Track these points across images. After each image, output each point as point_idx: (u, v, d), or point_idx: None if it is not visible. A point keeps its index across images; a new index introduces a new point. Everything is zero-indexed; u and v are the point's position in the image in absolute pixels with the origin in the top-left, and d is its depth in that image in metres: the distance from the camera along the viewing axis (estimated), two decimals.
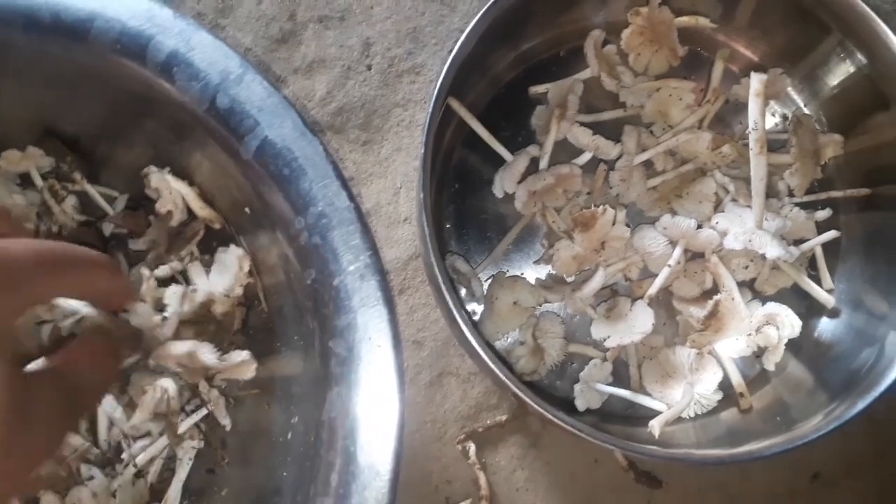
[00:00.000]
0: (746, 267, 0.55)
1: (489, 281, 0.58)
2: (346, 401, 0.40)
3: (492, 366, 0.45)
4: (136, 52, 0.43)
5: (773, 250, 0.51)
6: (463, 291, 0.58)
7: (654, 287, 0.54)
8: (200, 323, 0.50)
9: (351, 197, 0.42)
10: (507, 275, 0.58)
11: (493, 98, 0.61)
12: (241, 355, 0.49)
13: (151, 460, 0.50)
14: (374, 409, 0.39)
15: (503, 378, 0.45)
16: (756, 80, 0.48)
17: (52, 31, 0.44)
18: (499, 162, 0.58)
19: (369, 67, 0.62)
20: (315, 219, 0.42)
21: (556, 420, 0.46)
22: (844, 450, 0.60)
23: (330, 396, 0.41)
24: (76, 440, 0.49)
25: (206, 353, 0.48)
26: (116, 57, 0.44)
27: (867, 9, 0.52)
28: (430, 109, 0.49)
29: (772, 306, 0.54)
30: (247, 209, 0.48)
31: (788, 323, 0.53)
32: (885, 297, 0.55)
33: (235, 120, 0.43)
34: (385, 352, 0.40)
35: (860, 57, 0.55)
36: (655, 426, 0.51)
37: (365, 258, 0.41)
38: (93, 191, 0.53)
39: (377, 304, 0.41)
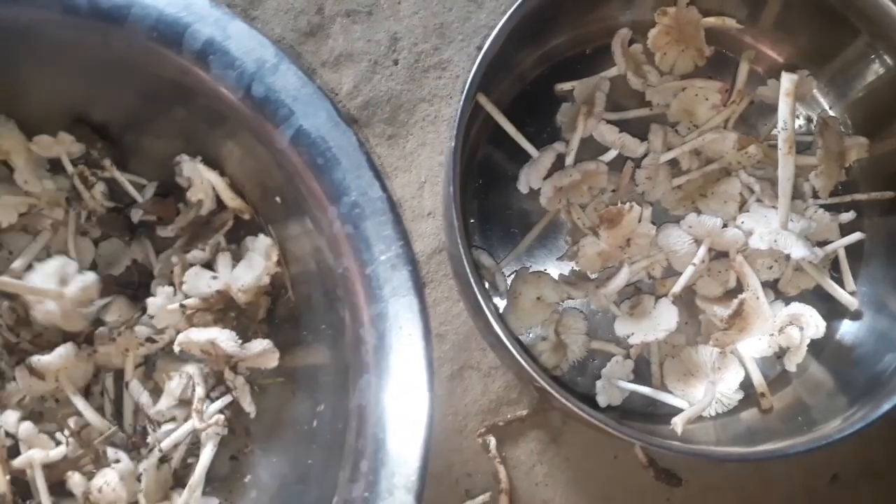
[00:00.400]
0: (770, 267, 0.55)
1: (512, 276, 0.58)
2: (377, 389, 0.40)
3: (516, 355, 0.46)
4: (173, 40, 0.44)
5: (798, 251, 0.51)
6: (486, 286, 0.58)
7: (679, 285, 0.54)
8: (222, 311, 0.50)
9: (384, 187, 0.42)
10: (531, 270, 0.58)
11: (519, 95, 0.61)
12: (263, 344, 0.50)
13: (176, 446, 0.50)
14: (404, 398, 0.40)
15: (528, 368, 0.46)
16: (787, 80, 0.48)
17: (90, 16, 0.44)
18: (523, 158, 0.58)
19: (396, 62, 0.62)
20: (348, 208, 0.42)
21: (581, 413, 0.46)
22: (863, 452, 0.60)
23: (360, 384, 0.41)
24: (103, 423, 0.49)
25: (227, 342, 0.48)
26: (153, 44, 0.44)
27: (895, 9, 0.52)
28: (461, 105, 0.50)
29: (796, 306, 0.54)
30: (278, 199, 0.48)
31: (813, 323, 0.53)
32: None
33: (271, 108, 0.43)
34: (415, 341, 0.41)
35: (888, 59, 0.55)
36: (678, 423, 0.52)
37: (397, 248, 0.42)
38: (122, 178, 0.53)
39: (408, 294, 0.41)
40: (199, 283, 0.50)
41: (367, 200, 0.42)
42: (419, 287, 0.41)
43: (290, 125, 0.43)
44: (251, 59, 0.43)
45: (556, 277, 0.58)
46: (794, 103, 0.49)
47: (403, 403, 0.40)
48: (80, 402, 0.49)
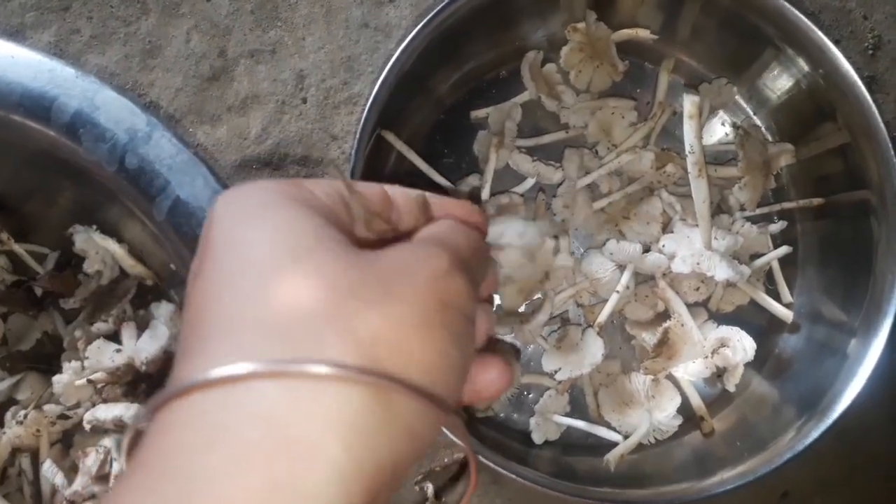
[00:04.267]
0: (698, 288, 0.54)
1: None
2: None
3: None
4: (41, 114, 0.42)
5: (721, 272, 0.49)
6: None
7: (604, 314, 0.52)
8: (130, 383, 0.49)
9: None
10: None
11: (437, 122, 0.59)
12: None
13: None
14: None
15: (447, 433, 0.44)
16: (689, 102, 0.47)
17: None
18: (444, 190, 0.56)
19: (304, 101, 0.60)
20: None
21: (502, 471, 0.44)
22: (813, 468, 0.58)
23: None
24: None
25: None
26: (21, 118, 0.42)
27: (804, 17, 0.50)
28: (355, 147, 0.48)
29: (724, 329, 0.53)
30: (171, 265, 0.46)
31: (741, 347, 0.51)
32: (841, 306, 0.54)
33: (146, 180, 0.41)
34: None
35: (802, 65, 0.53)
36: (611, 461, 0.50)
37: None
38: (20, 250, 0.52)
39: None
40: (103, 357, 0.49)
41: None
42: None
43: (167, 196, 0.41)
44: (122, 129, 0.42)
45: None
46: (698, 125, 0.47)
47: None
48: None
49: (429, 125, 0.59)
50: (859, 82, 0.49)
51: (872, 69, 0.61)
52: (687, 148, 0.47)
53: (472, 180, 0.55)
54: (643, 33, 0.56)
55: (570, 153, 0.55)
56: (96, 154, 0.42)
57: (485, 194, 0.55)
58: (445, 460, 0.56)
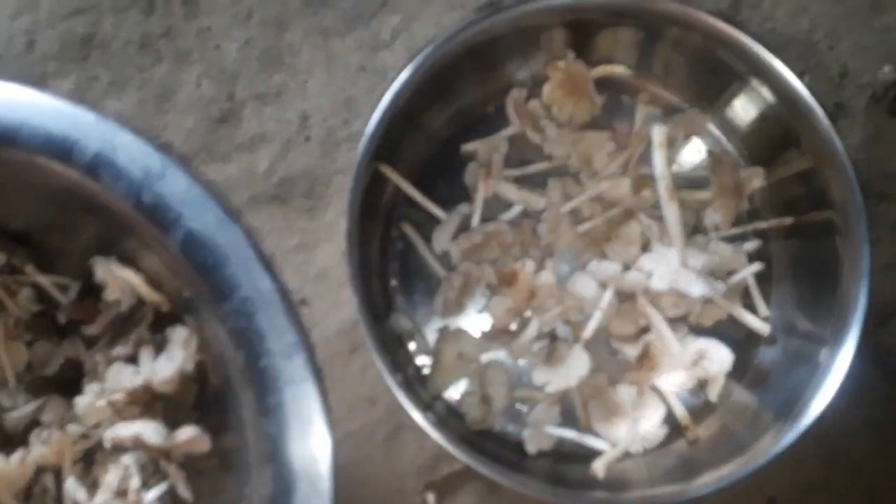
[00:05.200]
0: (677, 304, 0.57)
1: (437, 333, 0.60)
2: (281, 478, 0.42)
3: (426, 426, 0.47)
4: (63, 156, 0.46)
5: (697, 289, 0.53)
6: (413, 345, 0.60)
7: (588, 330, 0.55)
8: (147, 403, 0.52)
9: (274, 278, 0.44)
10: (454, 327, 0.60)
11: (431, 156, 0.63)
12: (190, 431, 0.51)
13: None
14: (308, 486, 0.41)
15: (437, 437, 0.47)
16: (658, 132, 0.51)
17: None
18: (439, 218, 0.60)
19: (308, 139, 0.64)
20: (240, 303, 0.44)
21: (499, 479, 0.48)
22: (797, 473, 0.61)
23: (266, 473, 0.43)
24: None
25: (151, 434, 0.50)
26: (45, 160, 0.46)
27: (767, 52, 0.54)
28: (353, 180, 0.52)
29: (702, 342, 0.56)
30: (185, 293, 0.50)
31: (718, 359, 0.54)
32: (811, 318, 0.57)
33: (160, 214, 0.45)
34: (316, 428, 0.42)
35: (767, 95, 0.57)
36: (599, 468, 0.53)
37: (289, 337, 0.43)
38: (45, 281, 0.55)
39: (304, 381, 0.43)
40: (122, 378, 0.52)
41: (258, 293, 0.44)
42: (316, 372, 0.43)
43: (180, 228, 0.45)
44: (138, 168, 0.46)
45: (479, 331, 0.59)
46: (667, 153, 0.51)
47: (307, 491, 0.41)
48: None
49: (422, 158, 0.63)
50: (819, 111, 0.53)
51: (839, 96, 0.65)
52: (657, 174, 0.51)
53: (464, 209, 0.59)
54: (619, 69, 0.61)
55: (554, 182, 0.59)
56: (114, 192, 0.46)
57: (474, 221, 0.59)
58: (446, 471, 0.59)
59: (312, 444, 0.42)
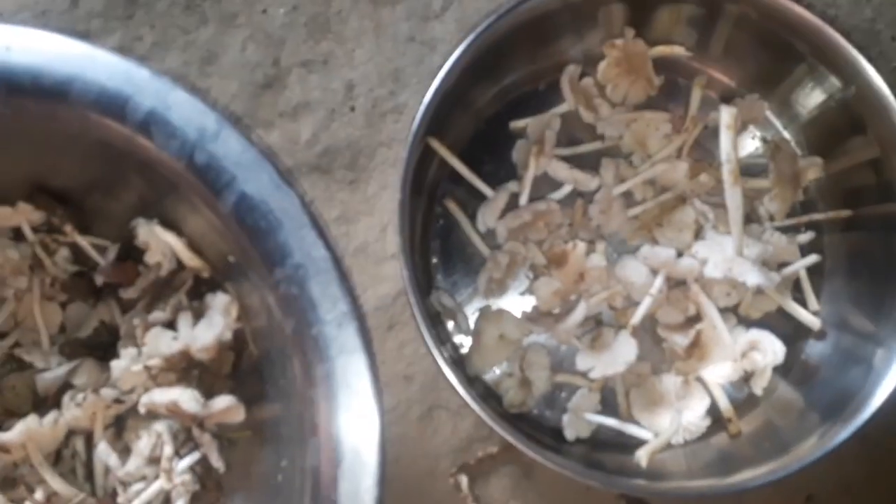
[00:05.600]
0: (729, 294, 0.56)
1: (477, 314, 0.58)
2: (327, 449, 0.41)
3: (471, 402, 0.46)
4: (116, 112, 0.45)
5: (752, 278, 0.51)
6: (451, 324, 0.59)
7: (637, 316, 0.54)
8: (184, 369, 0.51)
9: (328, 246, 0.43)
10: (494, 308, 0.58)
11: (476, 133, 0.62)
12: (226, 400, 0.50)
13: None
14: (355, 458, 0.40)
15: (483, 415, 0.46)
16: (726, 113, 0.49)
17: (34, 94, 0.45)
18: (484, 196, 0.59)
19: (353, 109, 0.63)
20: (293, 269, 0.43)
21: (539, 458, 0.46)
22: (837, 471, 0.60)
23: (311, 445, 0.41)
24: (69, 491, 0.50)
25: (188, 402, 0.49)
26: (97, 116, 0.45)
27: (837, 34, 0.53)
28: (408, 150, 0.50)
29: (754, 333, 0.55)
30: (230, 258, 0.49)
31: (771, 350, 0.53)
32: (870, 316, 0.56)
33: (213, 175, 0.44)
34: (365, 398, 0.41)
35: (834, 81, 0.55)
36: (642, 457, 0.52)
37: (342, 306, 0.42)
38: (83, 242, 0.54)
39: (355, 352, 0.42)
40: (160, 343, 0.51)
41: (311, 260, 0.43)
42: (367, 343, 0.42)
43: (233, 190, 0.44)
44: (192, 127, 0.44)
45: (520, 313, 0.58)
46: (734, 135, 0.49)
47: (354, 464, 0.40)
48: (46, 472, 0.49)
49: (468, 135, 0.62)
50: (891, 97, 0.51)
51: None
52: (723, 157, 0.50)
53: (512, 186, 0.58)
54: (678, 50, 0.59)
55: (607, 162, 0.57)
56: (167, 150, 0.44)
57: (523, 200, 0.57)
58: (479, 454, 0.58)
59: (361, 417, 0.41)
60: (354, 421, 0.41)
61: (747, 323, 0.58)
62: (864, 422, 0.51)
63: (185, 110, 0.44)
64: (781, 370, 0.57)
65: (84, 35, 0.62)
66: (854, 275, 0.57)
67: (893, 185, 0.52)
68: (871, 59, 0.59)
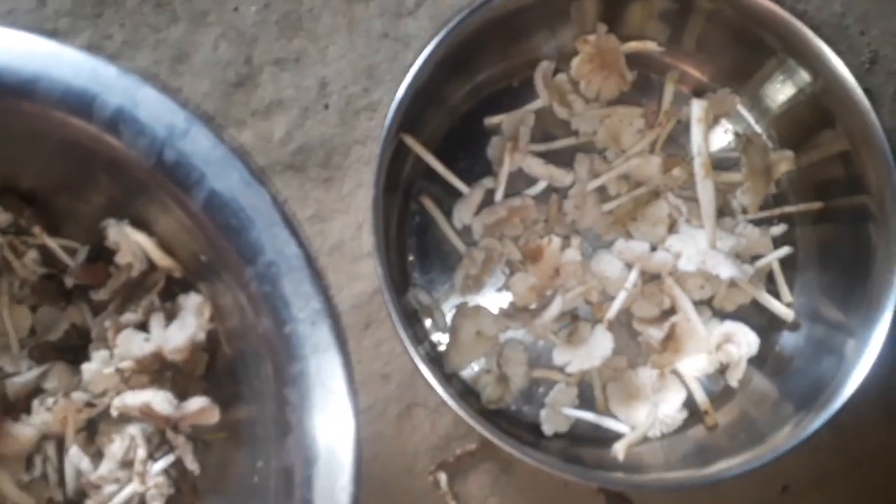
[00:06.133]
0: (703, 287, 0.56)
1: (453, 311, 0.58)
2: (302, 449, 0.40)
3: (447, 399, 0.46)
4: (82, 110, 0.44)
5: (726, 270, 0.52)
6: (428, 322, 0.59)
7: (612, 310, 0.54)
8: (156, 371, 0.51)
9: (300, 244, 0.42)
10: (470, 304, 0.58)
11: (451, 130, 0.62)
12: (200, 402, 0.50)
13: None
14: (330, 457, 0.40)
15: (461, 414, 0.46)
16: (697, 107, 0.49)
17: None
18: (459, 193, 0.59)
19: (326, 106, 0.62)
20: (265, 267, 0.42)
21: (517, 454, 0.46)
22: (813, 462, 0.60)
23: (286, 444, 0.41)
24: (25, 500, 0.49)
25: (161, 403, 0.48)
26: (63, 115, 0.44)
27: (807, 28, 0.53)
28: (381, 148, 0.50)
29: (728, 325, 0.55)
30: (202, 257, 0.48)
31: (745, 342, 0.53)
32: (840, 307, 0.56)
33: (183, 173, 0.43)
34: (340, 397, 0.41)
35: (804, 75, 0.56)
36: (619, 450, 0.52)
37: (315, 304, 0.42)
38: (52, 244, 0.53)
39: (329, 350, 0.41)
40: (132, 345, 0.50)
41: (283, 258, 0.42)
42: (341, 342, 0.42)
43: (203, 188, 0.43)
44: (161, 125, 0.44)
45: (497, 308, 0.58)
46: (706, 129, 0.50)
47: (329, 463, 0.40)
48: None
49: (443, 132, 0.62)
50: (859, 91, 0.52)
51: (868, 82, 0.64)
52: (694, 150, 0.50)
53: (487, 182, 0.58)
54: (651, 45, 0.59)
55: (581, 157, 0.57)
56: (136, 148, 0.44)
57: (498, 196, 0.57)
58: (458, 451, 0.58)
59: (336, 415, 0.40)
60: (329, 420, 0.40)
61: (721, 315, 0.58)
62: (836, 410, 0.52)
63: (153, 108, 0.44)
64: (756, 362, 0.58)
65: (52, 34, 0.61)
66: (825, 266, 0.58)
67: (862, 178, 0.53)
68: (839, 54, 0.60)
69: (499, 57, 0.61)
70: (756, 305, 0.59)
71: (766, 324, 0.59)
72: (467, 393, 0.57)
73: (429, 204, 0.59)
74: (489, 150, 0.60)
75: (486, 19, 0.57)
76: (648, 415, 0.54)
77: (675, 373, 0.56)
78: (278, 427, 0.43)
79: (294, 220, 0.43)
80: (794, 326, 0.58)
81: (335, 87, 0.63)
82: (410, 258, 0.60)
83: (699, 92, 0.61)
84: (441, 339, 0.58)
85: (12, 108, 0.44)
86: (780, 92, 0.58)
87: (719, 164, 0.60)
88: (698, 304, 0.57)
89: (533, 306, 0.58)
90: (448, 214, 0.59)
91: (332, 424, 0.40)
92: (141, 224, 0.52)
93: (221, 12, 0.63)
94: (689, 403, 0.57)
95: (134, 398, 0.49)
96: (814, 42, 0.52)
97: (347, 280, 0.61)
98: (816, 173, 0.58)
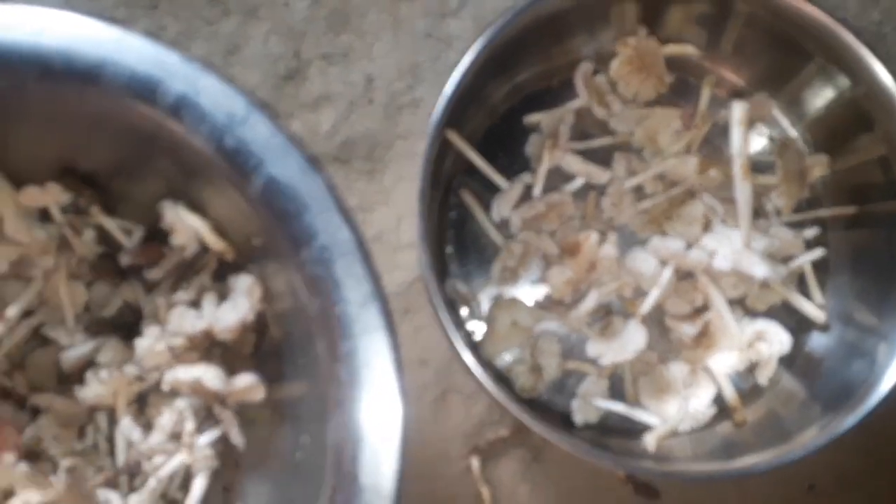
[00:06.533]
0: (736, 285, 0.57)
1: (490, 302, 0.60)
2: (349, 425, 0.42)
3: (484, 383, 0.48)
4: (146, 96, 0.46)
5: (759, 270, 0.53)
6: (465, 311, 0.61)
7: (646, 306, 0.56)
8: (206, 349, 0.53)
9: (352, 229, 0.44)
10: (507, 296, 0.60)
11: (491, 128, 0.64)
12: (248, 379, 0.52)
13: (167, 479, 0.53)
14: (376, 433, 0.42)
15: (496, 396, 0.48)
16: (738, 109, 0.51)
17: (65, 77, 0.46)
18: (497, 188, 0.61)
19: (371, 101, 0.64)
20: (318, 251, 0.44)
21: (551, 438, 0.48)
22: (839, 462, 0.61)
23: (333, 421, 0.43)
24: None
25: (212, 379, 0.50)
26: (127, 100, 0.47)
27: (848, 33, 0.54)
28: (428, 143, 0.52)
29: (761, 323, 0.56)
30: (256, 240, 0.50)
31: (777, 339, 0.55)
32: (874, 311, 0.57)
33: (241, 159, 0.45)
34: (386, 376, 0.43)
35: (843, 79, 0.57)
36: (650, 441, 0.53)
37: (366, 286, 0.44)
38: (110, 224, 0.56)
39: (378, 331, 0.43)
40: (184, 322, 0.53)
41: (336, 243, 0.44)
42: (389, 323, 0.44)
43: (261, 174, 0.45)
44: (222, 112, 0.46)
45: (532, 301, 0.60)
46: (745, 131, 0.51)
47: (375, 439, 0.42)
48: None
49: (483, 130, 0.63)
50: None
51: None
52: (734, 151, 0.51)
53: (526, 178, 0.59)
54: (689, 49, 0.61)
55: (619, 156, 0.59)
56: (197, 134, 0.46)
57: (537, 191, 0.59)
58: (490, 437, 0.60)
59: (383, 395, 0.42)
60: (376, 398, 0.42)
61: (753, 315, 0.59)
62: (866, 413, 0.53)
63: (214, 95, 0.46)
64: (786, 362, 0.59)
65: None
66: (858, 270, 0.59)
67: None
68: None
69: (540, 58, 0.63)
70: (786, 307, 0.60)
71: (796, 325, 0.60)
72: (500, 382, 0.59)
73: (468, 198, 0.61)
74: (528, 147, 0.62)
75: (529, 21, 0.58)
76: (679, 409, 0.55)
77: (706, 369, 0.58)
78: (327, 404, 0.44)
79: (346, 207, 0.45)
80: (824, 328, 0.59)
81: (380, 82, 0.65)
82: (448, 250, 0.62)
83: (736, 96, 0.62)
84: (476, 328, 0.60)
85: (78, 92, 0.47)
86: (818, 96, 0.59)
87: (754, 166, 0.61)
88: (730, 302, 0.58)
89: (568, 299, 0.59)
90: (487, 209, 0.61)
91: (379, 403, 0.42)
92: (196, 207, 0.54)
93: (272, 7, 0.65)
94: (718, 400, 0.58)
95: (186, 373, 0.52)
96: (855, 47, 0.53)
97: (386, 269, 0.63)
98: (852, 178, 0.59)
